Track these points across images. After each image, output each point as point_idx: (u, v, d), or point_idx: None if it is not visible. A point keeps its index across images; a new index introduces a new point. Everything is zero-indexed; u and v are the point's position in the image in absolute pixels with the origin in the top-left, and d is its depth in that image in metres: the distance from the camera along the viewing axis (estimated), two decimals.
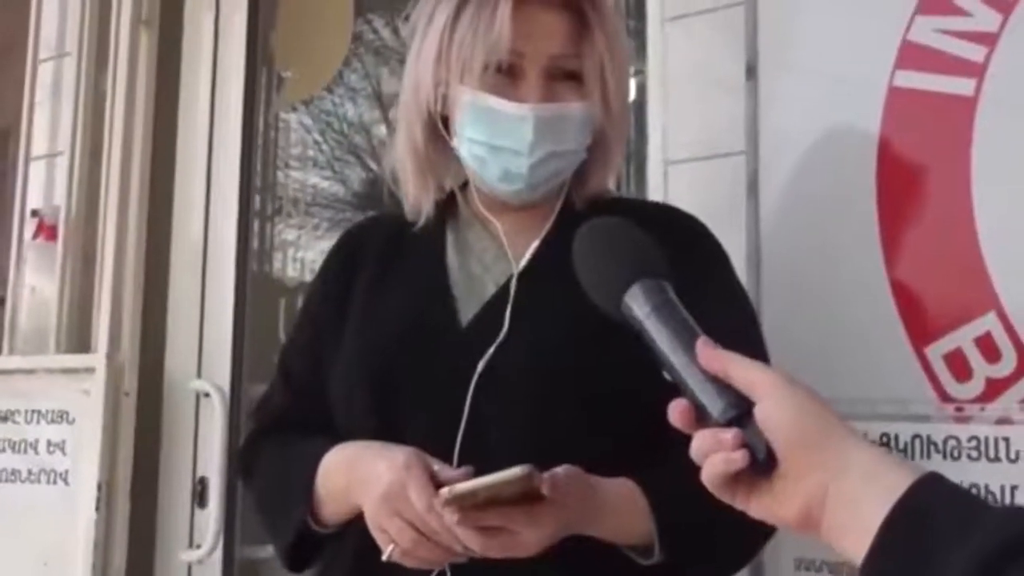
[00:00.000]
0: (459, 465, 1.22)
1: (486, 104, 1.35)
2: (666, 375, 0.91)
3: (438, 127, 1.43)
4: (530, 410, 1.29)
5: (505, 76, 1.35)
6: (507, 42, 1.32)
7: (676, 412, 0.89)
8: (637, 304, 0.94)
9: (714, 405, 0.86)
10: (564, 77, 1.37)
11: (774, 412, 0.83)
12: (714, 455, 0.85)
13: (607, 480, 1.23)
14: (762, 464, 0.83)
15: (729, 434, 0.84)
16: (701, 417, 0.88)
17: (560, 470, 1.16)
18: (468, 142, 1.39)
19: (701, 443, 0.86)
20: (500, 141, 1.36)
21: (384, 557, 1.20)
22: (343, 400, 1.40)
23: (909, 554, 0.75)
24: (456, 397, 1.29)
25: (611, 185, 1.57)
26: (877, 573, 0.77)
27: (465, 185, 1.50)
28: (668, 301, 0.94)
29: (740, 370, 0.86)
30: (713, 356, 0.88)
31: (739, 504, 0.87)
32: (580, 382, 1.30)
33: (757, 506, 0.86)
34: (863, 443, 0.83)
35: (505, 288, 1.37)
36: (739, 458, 0.83)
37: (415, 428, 1.30)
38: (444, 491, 1.09)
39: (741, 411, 0.85)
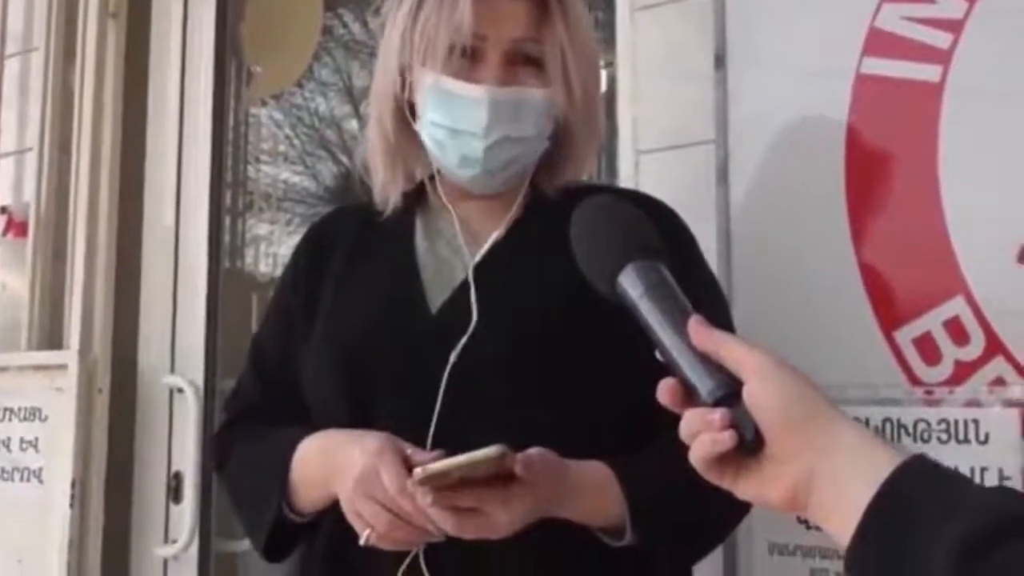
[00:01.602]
0: (432, 450, 1.22)
1: (446, 87, 1.35)
2: (658, 356, 0.91)
3: (405, 113, 1.43)
4: (503, 394, 1.29)
5: (468, 60, 1.36)
6: (469, 25, 1.33)
7: (664, 391, 0.88)
8: (631, 284, 0.94)
9: (703, 385, 0.86)
10: (526, 62, 1.37)
11: (761, 392, 0.83)
12: (702, 435, 0.84)
13: (580, 462, 1.24)
14: (749, 444, 0.83)
15: (717, 414, 0.83)
16: (690, 397, 0.87)
17: (533, 451, 1.16)
18: (430, 125, 1.39)
19: (689, 423, 0.86)
20: (458, 124, 1.36)
21: (361, 541, 1.20)
22: (315, 387, 1.40)
23: (893, 540, 0.75)
24: (428, 383, 1.29)
25: (584, 178, 1.57)
26: (861, 558, 0.77)
27: (435, 176, 1.50)
28: (662, 281, 0.93)
29: (731, 350, 0.86)
30: (706, 335, 0.87)
31: (726, 484, 0.87)
32: (553, 366, 1.30)
33: (744, 486, 0.86)
34: (850, 424, 0.83)
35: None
36: (726, 438, 0.83)
37: (387, 414, 1.31)
38: (418, 471, 1.09)
39: (729, 391, 0.84)
